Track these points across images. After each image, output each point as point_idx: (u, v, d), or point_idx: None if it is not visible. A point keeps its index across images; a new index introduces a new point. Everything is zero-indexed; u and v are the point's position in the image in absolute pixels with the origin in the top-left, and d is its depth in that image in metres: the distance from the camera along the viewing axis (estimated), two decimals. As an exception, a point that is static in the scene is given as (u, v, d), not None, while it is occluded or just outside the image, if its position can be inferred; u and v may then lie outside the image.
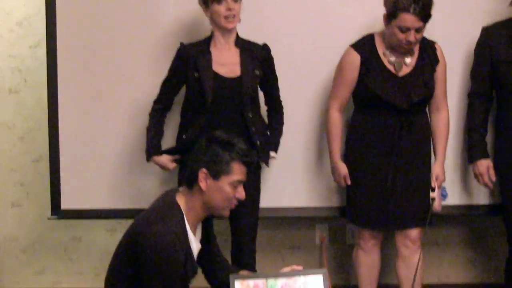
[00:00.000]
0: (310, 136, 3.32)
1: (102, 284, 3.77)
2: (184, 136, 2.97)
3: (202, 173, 2.28)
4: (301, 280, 2.39)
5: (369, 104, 3.00)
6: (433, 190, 2.97)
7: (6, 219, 3.69)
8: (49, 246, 3.73)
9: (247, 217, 3.01)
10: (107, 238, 3.70)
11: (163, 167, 3.03)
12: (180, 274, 2.27)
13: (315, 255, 3.73)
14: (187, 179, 2.34)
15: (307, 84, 3.28)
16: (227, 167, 2.28)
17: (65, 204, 3.33)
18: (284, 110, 3.16)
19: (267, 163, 3.07)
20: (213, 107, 2.89)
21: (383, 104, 2.94)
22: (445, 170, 3.07)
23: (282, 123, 3.14)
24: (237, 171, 2.30)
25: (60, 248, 3.74)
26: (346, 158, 3.11)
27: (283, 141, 3.16)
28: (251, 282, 2.37)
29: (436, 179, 3.00)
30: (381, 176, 3.00)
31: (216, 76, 2.89)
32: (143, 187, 3.28)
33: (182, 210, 2.30)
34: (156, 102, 3.05)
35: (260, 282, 2.37)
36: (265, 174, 3.25)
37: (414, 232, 3.04)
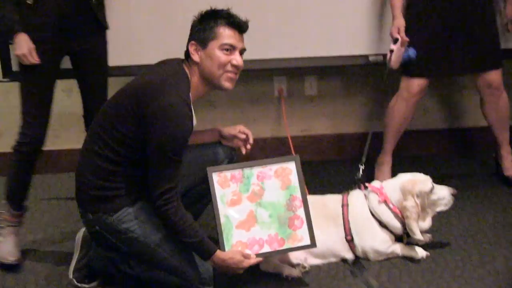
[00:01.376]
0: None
1: (62, 146, 3.81)
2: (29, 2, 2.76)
3: (192, 45, 2.35)
4: (275, 167, 2.49)
5: None
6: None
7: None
8: (5, 109, 3.63)
9: (95, 75, 2.95)
10: (64, 99, 3.60)
11: (25, 55, 2.74)
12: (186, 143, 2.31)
13: (274, 107, 3.77)
14: (185, 57, 2.39)
15: None
16: (212, 32, 2.33)
17: (17, 66, 3.24)
18: None
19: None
20: None
21: None
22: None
23: None
24: (224, 35, 2.32)
25: (16, 111, 3.66)
26: (408, 10, 3.15)
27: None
28: (228, 173, 2.46)
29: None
30: (444, 25, 3.10)
31: None
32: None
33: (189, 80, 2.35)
34: None
35: (236, 172, 2.47)
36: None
37: (492, 76, 3.21)
